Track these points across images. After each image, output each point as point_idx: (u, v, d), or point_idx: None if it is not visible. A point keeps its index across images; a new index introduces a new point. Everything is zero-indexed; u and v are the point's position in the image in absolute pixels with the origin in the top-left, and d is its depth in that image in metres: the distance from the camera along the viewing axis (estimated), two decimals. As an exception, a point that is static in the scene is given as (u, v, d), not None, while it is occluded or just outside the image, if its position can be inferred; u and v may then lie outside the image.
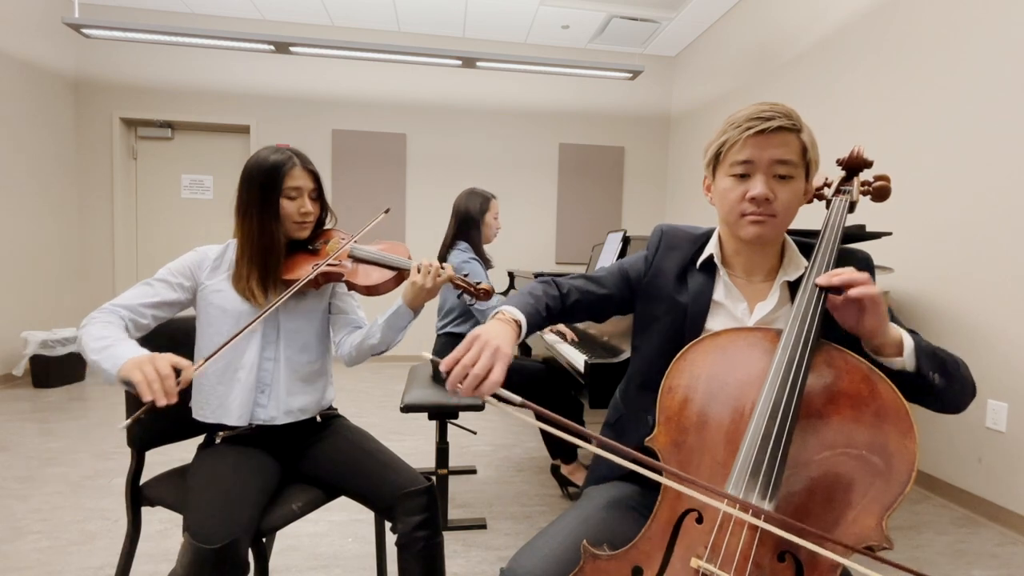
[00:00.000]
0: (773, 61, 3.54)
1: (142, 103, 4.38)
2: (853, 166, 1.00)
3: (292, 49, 3.73)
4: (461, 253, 2.20)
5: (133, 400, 1.24)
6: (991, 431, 2.19)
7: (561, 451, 2.25)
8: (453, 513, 2.06)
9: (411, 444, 2.83)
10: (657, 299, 1.00)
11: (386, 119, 4.68)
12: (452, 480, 2.36)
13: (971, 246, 2.25)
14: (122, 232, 4.46)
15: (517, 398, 0.73)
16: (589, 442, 0.73)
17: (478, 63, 3.91)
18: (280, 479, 1.22)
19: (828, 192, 0.99)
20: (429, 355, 0.79)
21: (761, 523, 0.66)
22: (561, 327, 2.27)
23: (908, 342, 0.78)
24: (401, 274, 1.30)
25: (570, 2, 4.04)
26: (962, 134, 2.29)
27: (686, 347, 0.85)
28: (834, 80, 3.01)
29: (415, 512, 1.15)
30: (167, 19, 4.31)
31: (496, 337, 0.79)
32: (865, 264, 0.94)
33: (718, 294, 0.96)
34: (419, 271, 1.24)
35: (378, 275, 1.29)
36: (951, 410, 0.83)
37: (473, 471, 2.49)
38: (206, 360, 1.02)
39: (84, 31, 3.48)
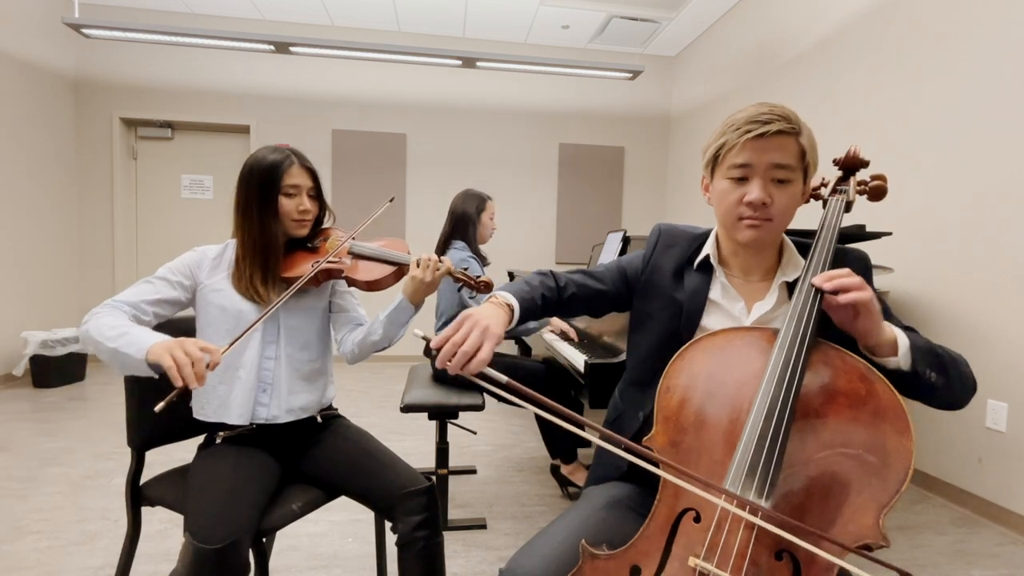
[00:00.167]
0: (773, 61, 3.54)
1: (142, 103, 4.38)
2: (849, 166, 1.01)
3: (292, 49, 3.73)
4: (459, 252, 2.22)
5: (132, 390, 1.24)
6: (991, 431, 2.19)
7: (561, 451, 2.25)
8: (453, 513, 2.06)
9: (411, 444, 2.83)
10: (653, 296, 1.01)
11: (386, 119, 4.69)
12: (452, 480, 2.36)
13: (971, 246, 2.25)
14: (122, 232, 4.46)
15: (503, 378, 0.74)
16: (582, 428, 0.73)
17: (478, 63, 3.91)
18: (280, 479, 1.22)
19: (824, 192, 0.99)
20: (420, 332, 0.80)
21: (758, 520, 0.66)
22: (563, 326, 2.28)
23: (903, 342, 0.78)
24: (401, 269, 1.30)
25: (570, 2, 4.04)
26: (962, 134, 2.29)
27: (684, 347, 0.85)
28: (834, 80, 3.01)
29: (415, 512, 1.15)
30: (167, 19, 4.31)
31: (486, 317, 0.81)
32: (862, 264, 0.94)
33: (714, 293, 0.96)
34: (418, 265, 1.25)
35: (378, 270, 1.30)
36: (951, 407, 0.83)
37: (473, 471, 2.49)
38: (231, 344, 1.02)
39: (84, 31, 3.48)
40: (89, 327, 1.03)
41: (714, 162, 0.90)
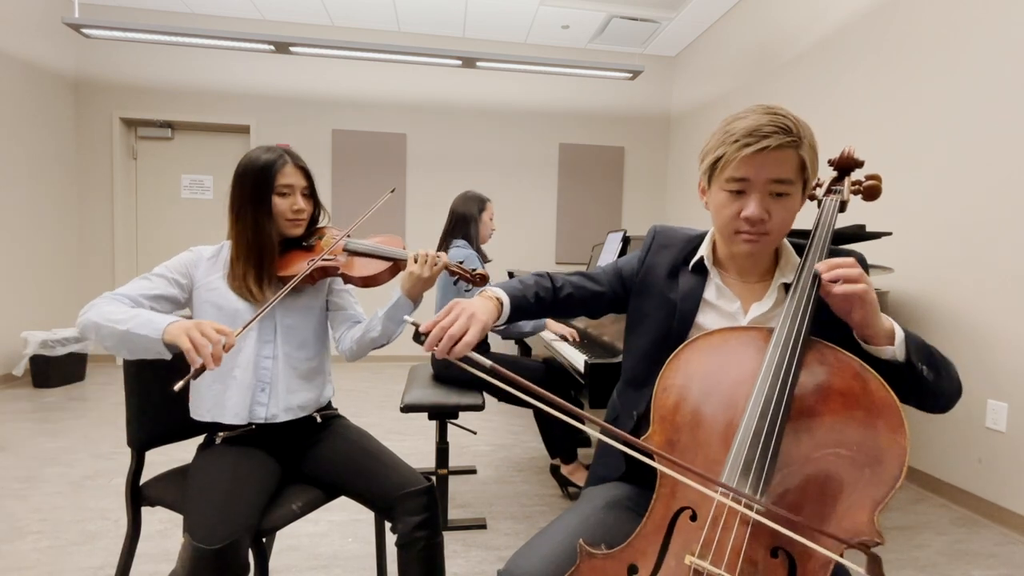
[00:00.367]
0: (773, 61, 3.54)
1: (142, 103, 4.38)
2: (844, 166, 1.01)
3: (292, 49, 3.73)
4: (461, 249, 2.24)
5: (132, 390, 1.24)
6: (991, 431, 2.19)
7: (561, 451, 2.25)
8: (453, 513, 2.06)
9: (411, 444, 2.83)
10: (648, 296, 1.01)
11: (386, 119, 4.69)
12: (452, 480, 2.37)
13: (971, 246, 2.25)
14: (122, 232, 4.47)
15: (487, 362, 0.76)
16: (574, 416, 0.73)
17: (478, 63, 3.91)
18: (280, 479, 1.22)
19: (819, 192, 0.99)
20: (410, 319, 0.83)
21: (753, 514, 0.67)
22: (563, 328, 2.28)
23: (899, 332, 0.79)
24: (396, 264, 1.30)
25: (570, 2, 4.04)
26: (962, 134, 2.29)
27: (680, 347, 0.85)
28: (834, 80, 3.01)
29: (415, 512, 1.16)
30: (167, 19, 4.32)
31: (474, 306, 0.84)
32: (859, 263, 0.94)
33: (709, 294, 0.96)
34: (416, 261, 1.25)
35: (373, 266, 1.30)
36: (939, 407, 0.83)
37: (473, 471, 2.49)
38: (245, 326, 1.02)
39: (84, 31, 3.49)
40: (91, 314, 1.04)
41: (712, 170, 0.88)
